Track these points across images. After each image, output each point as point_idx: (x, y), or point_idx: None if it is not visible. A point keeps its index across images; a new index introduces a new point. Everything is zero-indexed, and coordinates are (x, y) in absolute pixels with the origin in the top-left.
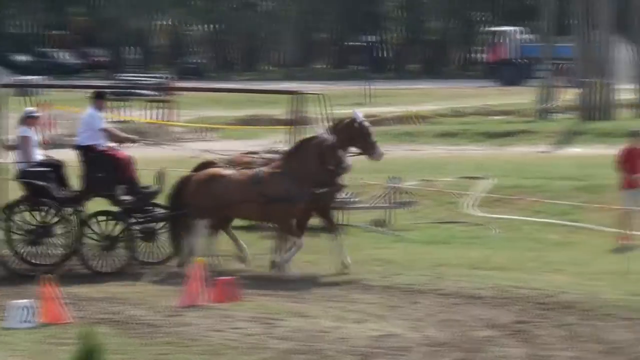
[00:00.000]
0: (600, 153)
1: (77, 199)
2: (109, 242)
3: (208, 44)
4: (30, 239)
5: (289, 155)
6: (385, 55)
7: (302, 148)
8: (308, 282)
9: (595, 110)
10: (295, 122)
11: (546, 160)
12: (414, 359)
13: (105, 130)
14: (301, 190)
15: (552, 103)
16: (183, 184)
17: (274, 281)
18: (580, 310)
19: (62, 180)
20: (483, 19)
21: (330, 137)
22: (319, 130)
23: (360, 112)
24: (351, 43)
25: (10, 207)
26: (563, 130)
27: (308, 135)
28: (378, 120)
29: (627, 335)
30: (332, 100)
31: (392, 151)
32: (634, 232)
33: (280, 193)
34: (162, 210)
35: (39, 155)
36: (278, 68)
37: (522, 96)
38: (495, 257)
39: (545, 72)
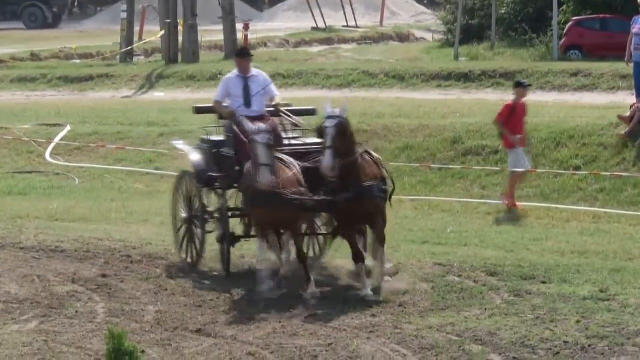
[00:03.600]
0: (185, 97)
1: None
2: None
3: None
4: None
5: None
6: None
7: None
8: None
9: (179, 53)
10: None
11: (129, 106)
12: None
13: None
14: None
15: (134, 45)
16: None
17: None
18: (166, 263)
19: None
20: None
21: (260, 133)
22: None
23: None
24: None
25: None
26: (146, 74)
27: None
28: None
29: (215, 288)
30: None
31: None
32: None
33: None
34: None
35: None
36: None
37: (105, 38)
38: (77, 208)
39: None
